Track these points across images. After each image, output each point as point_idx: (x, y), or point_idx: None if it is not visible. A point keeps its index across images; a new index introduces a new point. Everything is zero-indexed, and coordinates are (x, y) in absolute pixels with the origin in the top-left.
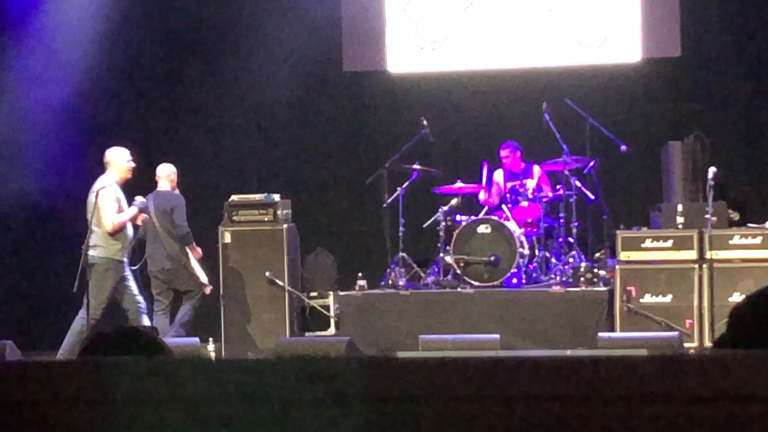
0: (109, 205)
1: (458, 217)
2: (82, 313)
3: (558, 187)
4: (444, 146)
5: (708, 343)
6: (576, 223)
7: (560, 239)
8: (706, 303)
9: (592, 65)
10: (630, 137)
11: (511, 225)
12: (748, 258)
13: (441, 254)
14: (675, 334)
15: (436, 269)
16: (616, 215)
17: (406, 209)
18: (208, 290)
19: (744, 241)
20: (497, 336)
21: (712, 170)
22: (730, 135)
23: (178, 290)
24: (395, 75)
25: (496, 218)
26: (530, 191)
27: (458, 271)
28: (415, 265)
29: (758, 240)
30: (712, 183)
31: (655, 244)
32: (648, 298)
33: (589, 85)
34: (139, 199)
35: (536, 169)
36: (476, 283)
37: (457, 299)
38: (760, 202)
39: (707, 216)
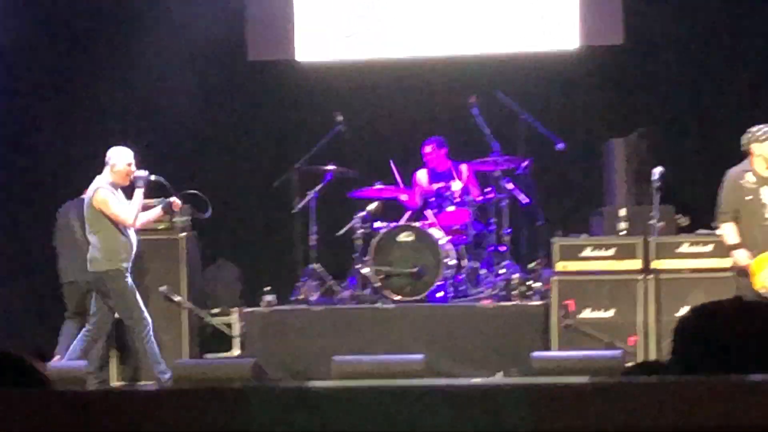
0: (113, 200)
1: (377, 224)
2: (86, 328)
3: (488, 189)
4: (361, 144)
5: None
6: (508, 230)
7: (491, 248)
8: (651, 318)
9: (526, 53)
10: (568, 134)
11: (436, 232)
12: (698, 268)
13: (358, 265)
14: (618, 352)
15: (353, 282)
16: (553, 221)
17: (318, 215)
18: None
19: (694, 249)
20: (421, 356)
21: (658, 170)
22: (679, 131)
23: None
24: (305, 64)
25: (419, 225)
26: (457, 194)
27: (377, 285)
28: (328, 278)
29: (709, 248)
30: (658, 184)
31: (596, 253)
32: (588, 313)
33: (522, 75)
34: (140, 173)
35: (463, 169)
36: (397, 298)
37: (376, 316)
38: (712, 205)
39: (653, 221)
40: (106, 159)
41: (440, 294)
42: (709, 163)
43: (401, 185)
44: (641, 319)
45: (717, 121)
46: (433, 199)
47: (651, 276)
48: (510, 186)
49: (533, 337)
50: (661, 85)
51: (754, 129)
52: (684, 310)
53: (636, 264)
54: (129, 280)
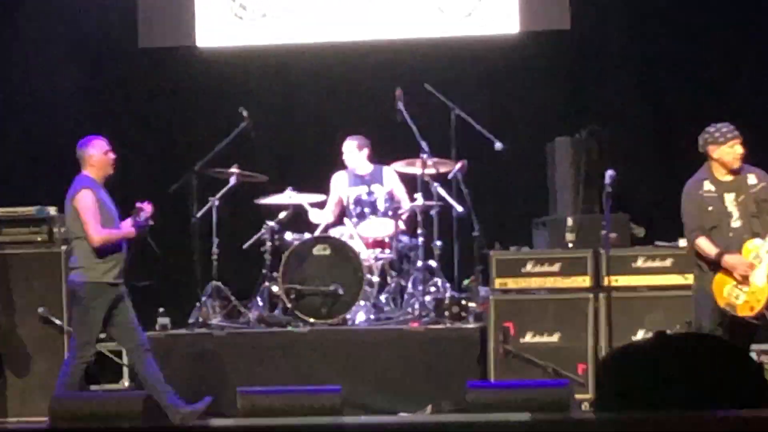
0: (90, 212)
1: (288, 236)
2: (70, 354)
3: (416, 195)
4: (271, 144)
5: None
6: (439, 242)
7: (419, 263)
8: (603, 343)
9: (459, 38)
10: (508, 132)
11: (356, 245)
12: (655, 285)
13: (266, 283)
14: (564, 383)
15: (261, 302)
16: (490, 232)
17: (221, 225)
18: None
19: (651, 263)
20: (338, 389)
21: (610, 174)
22: (634, 129)
23: None
24: (206, 51)
25: (336, 237)
26: (381, 201)
27: (289, 305)
28: (233, 297)
29: (668, 262)
30: (610, 190)
31: (539, 269)
32: (530, 338)
33: (455, 65)
34: (144, 211)
35: (388, 173)
36: (312, 320)
37: (288, 341)
38: (671, 213)
39: (604, 232)
40: (78, 155)
41: (361, 316)
42: (669, 165)
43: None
44: (591, 343)
45: (677, 117)
46: (353, 206)
47: (602, 294)
48: (441, 192)
49: (468, 364)
50: (613, 77)
51: (711, 129)
52: (640, 334)
53: (585, 281)
54: (105, 299)
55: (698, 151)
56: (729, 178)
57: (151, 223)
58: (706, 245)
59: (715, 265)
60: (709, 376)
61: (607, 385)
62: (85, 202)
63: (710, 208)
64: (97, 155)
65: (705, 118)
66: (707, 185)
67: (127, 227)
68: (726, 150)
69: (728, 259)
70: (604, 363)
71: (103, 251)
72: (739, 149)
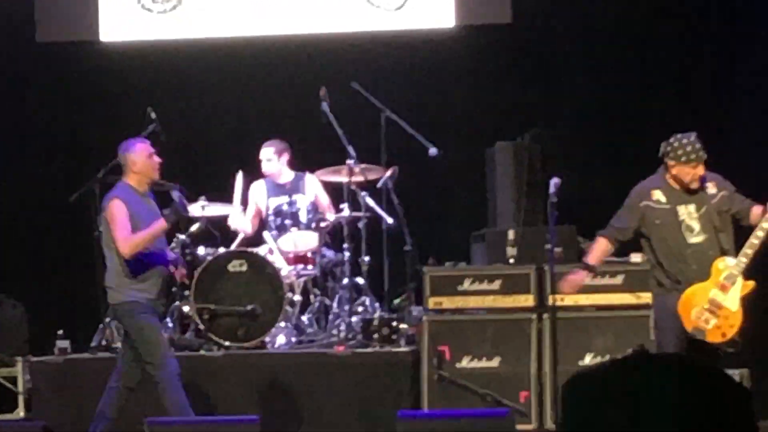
0: (117, 221)
1: (201, 250)
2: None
3: (342, 206)
4: (182, 149)
5: (550, 425)
6: (367, 258)
7: (345, 280)
8: (547, 368)
9: (389, 33)
10: (443, 136)
11: (276, 260)
12: (605, 304)
13: (177, 302)
14: (505, 412)
15: (170, 323)
16: (424, 246)
17: None
18: None
19: (600, 281)
20: (255, 418)
21: (555, 182)
22: (581, 133)
23: None
24: (111, 47)
25: (254, 251)
26: (303, 212)
27: (201, 327)
28: None
29: (619, 280)
30: (555, 200)
31: (477, 286)
32: (467, 362)
33: (385, 62)
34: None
35: (311, 181)
36: (227, 343)
37: (200, 365)
38: None
39: (549, 246)
40: (120, 161)
41: (281, 339)
42: (619, 173)
43: (236, 202)
44: (534, 369)
45: (629, 120)
46: (273, 218)
47: (547, 315)
48: (370, 202)
49: (398, 392)
50: (558, 76)
51: (675, 144)
52: (588, 359)
53: (528, 300)
54: (147, 314)
55: (653, 155)
56: (695, 185)
57: (185, 204)
58: (596, 247)
59: (677, 284)
60: (700, 405)
61: (570, 416)
62: (113, 211)
63: (657, 222)
64: (140, 161)
65: (659, 122)
66: (657, 195)
67: (159, 222)
68: (687, 170)
69: (570, 276)
70: (567, 388)
71: (134, 268)
72: (700, 171)
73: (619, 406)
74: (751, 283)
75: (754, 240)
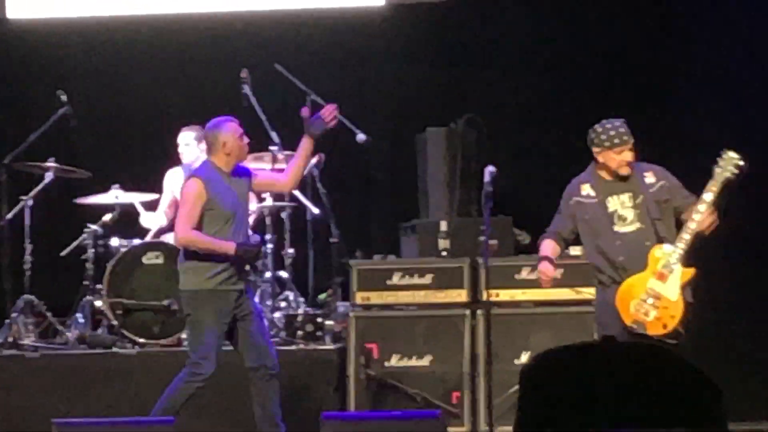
0: (187, 204)
1: (114, 242)
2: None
3: (264, 195)
4: (94, 134)
5: (483, 427)
6: (291, 250)
7: (268, 274)
8: (482, 367)
9: (315, 11)
10: (372, 121)
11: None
12: (543, 300)
13: (88, 296)
14: (436, 414)
15: (81, 319)
16: (351, 238)
17: (35, 229)
18: None
19: (537, 275)
20: (171, 419)
21: (490, 170)
22: (519, 119)
23: None
24: (18, 23)
25: (171, 243)
26: None
27: (114, 323)
28: (49, 314)
29: (558, 274)
30: (490, 189)
31: (408, 281)
32: (397, 361)
33: (311, 42)
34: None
35: None
36: (141, 340)
37: (113, 364)
38: None
39: (483, 238)
40: (206, 140)
41: None
42: (559, 161)
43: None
44: (467, 368)
45: (569, 106)
46: None
47: (481, 311)
48: (294, 191)
49: (323, 392)
50: (496, 58)
51: (598, 129)
52: (524, 357)
53: (461, 295)
54: (213, 308)
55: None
56: (625, 172)
57: (257, 254)
58: (543, 247)
59: (615, 278)
60: (664, 392)
61: (531, 404)
62: (186, 191)
63: (586, 217)
64: (231, 142)
65: (601, 109)
66: (587, 190)
67: (227, 243)
68: (612, 156)
69: (540, 266)
70: (525, 374)
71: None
72: (627, 156)
73: (581, 389)
74: (691, 270)
75: (691, 224)
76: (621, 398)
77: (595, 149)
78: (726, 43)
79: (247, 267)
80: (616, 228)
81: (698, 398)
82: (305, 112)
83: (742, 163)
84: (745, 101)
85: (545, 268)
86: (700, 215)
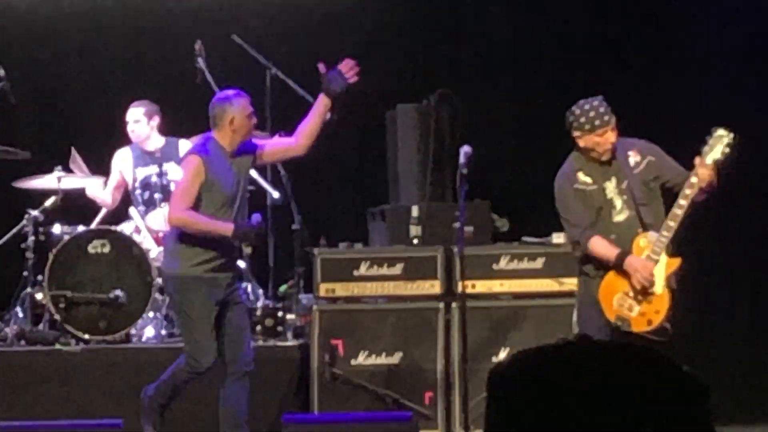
0: (183, 182)
1: (57, 229)
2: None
3: None
4: (35, 112)
5: (458, 430)
6: None
7: None
8: (456, 365)
9: None
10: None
11: (144, 240)
12: (522, 292)
13: (28, 289)
14: (407, 416)
15: (21, 314)
16: (315, 224)
17: None
18: None
19: (517, 265)
20: (119, 422)
21: (465, 151)
22: (497, 95)
23: None
24: None
25: (119, 230)
26: (175, 185)
27: (57, 317)
28: None
29: (539, 263)
30: (465, 171)
31: (376, 271)
32: (364, 358)
33: (270, 12)
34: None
35: (185, 148)
36: (87, 336)
37: (56, 362)
38: (543, 202)
39: (458, 225)
40: (212, 113)
41: (150, 331)
42: (539, 141)
43: (89, 174)
44: (441, 366)
45: (550, 82)
46: (140, 191)
47: (456, 304)
48: (253, 173)
49: (285, 392)
50: (471, 29)
51: (576, 111)
52: (503, 354)
53: (434, 286)
54: (202, 296)
55: None
56: (608, 155)
57: (258, 234)
58: (602, 246)
59: (601, 270)
60: (642, 392)
61: (499, 411)
62: (185, 167)
63: (598, 205)
64: (239, 119)
65: (583, 84)
66: (583, 177)
67: (225, 225)
68: (595, 139)
69: (632, 262)
70: (493, 378)
71: (187, 235)
72: (610, 137)
73: (553, 393)
74: (677, 261)
75: (677, 210)
76: (595, 401)
77: (575, 134)
78: (710, 30)
79: (248, 249)
80: (613, 217)
81: (679, 398)
82: (322, 67)
83: (733, 141)
84: (732, 89)
85: (641, 265)
86: (687, 200)
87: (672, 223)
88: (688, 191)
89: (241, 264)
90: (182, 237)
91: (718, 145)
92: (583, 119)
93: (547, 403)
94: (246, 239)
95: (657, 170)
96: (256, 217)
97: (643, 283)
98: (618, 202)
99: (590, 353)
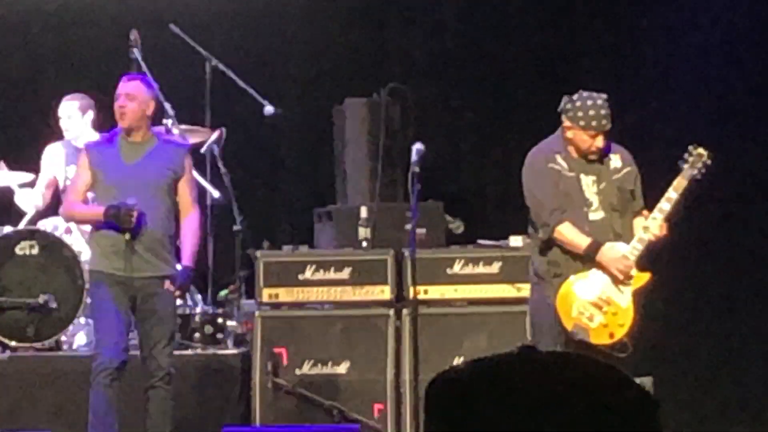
0: (73, 175)
1: None
2: None
3: None
4: None
5: None
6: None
7: None
8: (407, 375)
9: None
10: (283, 91)
11: (76, 242)
12: (478, 298)
13: None
14: (354, 428)
15: None
16: (258, 225)
17: None
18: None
19: (472, 269)
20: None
21: (418, 148)
22: (451, 89)
23: None
24: None
25: (48, 231)
26: None
27: None
28: None
29: (495, 268)
30: (418, 170)
31: (322, 275)
32: (309, 368)
33: (207, 1)
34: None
35: None
36: (13, 343)
37: None
38: (500, 202)
39: (410, 226)
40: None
41: (81, 338)
42: (496, 139)
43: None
44: (391, 376)
45: (509, 75)
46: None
47: (407, 310)
48: (192, 172)
49: (224, 403)
50: (424, 20)
51: (576, 100)
52: (457, 362)
53: (384, 292)
54: (100, 289)
55: (537, 119)
56: (593, 156)
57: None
58: (572, 233)
59: (558, 271)
60: (588, 407)
61: (434, 422)
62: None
63: (561, 188)
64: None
65: (542, 78)
66: (560, 160)
67: (98, 208)
68: (584, 137)
69: (606, 253)
70: (430, 394)
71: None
72: (600, 142)
73: (496, 411)
74: (646, 275)
75: (653, 222)
76: (538, 417)
77: (566, 122)
78: (676, 41)
79: (126, 235)
80: (584, 210)
81: (628, 412)
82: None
83: (710, 161)
84: (696, 99)
85: (616, 255)
86: (668, 209)
87: (645, 236)
88: (665, 205)
89: (179, 267)
90: (90, 232)
91: (698, 162)
92: (580, 113)
93: (489, 419)
94: (118, 221)
95: (632, 184)
96: (131, 199)
97: (624, 271)
98: (594, 200)
99: (532, 366)
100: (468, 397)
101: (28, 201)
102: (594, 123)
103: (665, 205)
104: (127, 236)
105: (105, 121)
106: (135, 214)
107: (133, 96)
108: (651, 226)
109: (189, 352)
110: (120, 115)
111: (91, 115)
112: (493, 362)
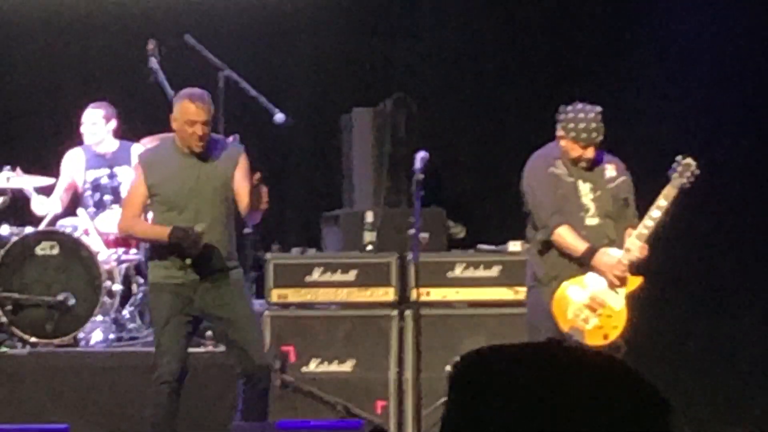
0: (129, 188)
1: (5, 230)
2: None
3: None
4: None
5: None
6: None
7: None
8: (410, 373)
9: None
10: (292, 100)
11: (94, 243)
12: (478, 300)
13: None
14: (358, 423)
15: None
16: (267, 229)
17: None
18: None
19: (472, 273)
20: (65, 427)
21: (421, 156)
22: (454, 100)
23: None
24: None
25: (67, 232)
26: (126, 187)
27: (3, 319)
28: None
29: (495, 272)
30: (421, 177)
31: (329, 277)
32: (316, 366)
33: (225, 12)
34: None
35: (137, 152)
36: (33, 339)
37: (2, 365)
38: (500, 209)
39: (413, 231)
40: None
41: (98, 335)
42: (497, 147)
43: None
44: (393, 375)
45: (509, 86)
46: (90, 192)
47: (410, 312)
48: None
49: (234, 400)
50: (429, 33)
51: (570, 112)
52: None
53: (388, 294)
54: (164, 298)
55: (536, 128)
56: (584, 165)
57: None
58: (570, 237)
59: (555, 275)
60: (608, 405)
61: (459, 411)
62: (131, 179)
63: (560, 192)
64: (177, 123)
65: (543, 90)
66: (560, 166)
67: (162, 229)
68: (575, 147)
69: (601, 258)
70: (455, 374)
71: (160, 246)
72: (590, 153)
73: (518, 396)
74: (639, 279)
75: (644, 230)
76: (561, 409)
77: (559, 131)
78: (666, 45)
79: (188, 261)
80: (581, 216)
81: (643, 412)
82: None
83: (698, 171)
84: (687, 106)
85: (611, 260)
86: (653, 221)
87: (638, 242)
88: (654, 213)
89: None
90: (151, 245)
91: (687, 172)
92: (572, 125)
93: (509, 407)
94: (184, 244)
95: (626, 193)
96: (199, 226)
97: (619, 275)
98: (591, 207)
99: (559, 358)
100: (493, 380)
101: (45, 208)
102: (584, 135)
103: (655, 212)
104: (188, 261)
105: (124, 128)
106: (201, 242)
107: (209, 121)
108: (632, 248)
109: (201, 349)
110: (197, 140)
111: (113, 123)
112: (521, 349)
